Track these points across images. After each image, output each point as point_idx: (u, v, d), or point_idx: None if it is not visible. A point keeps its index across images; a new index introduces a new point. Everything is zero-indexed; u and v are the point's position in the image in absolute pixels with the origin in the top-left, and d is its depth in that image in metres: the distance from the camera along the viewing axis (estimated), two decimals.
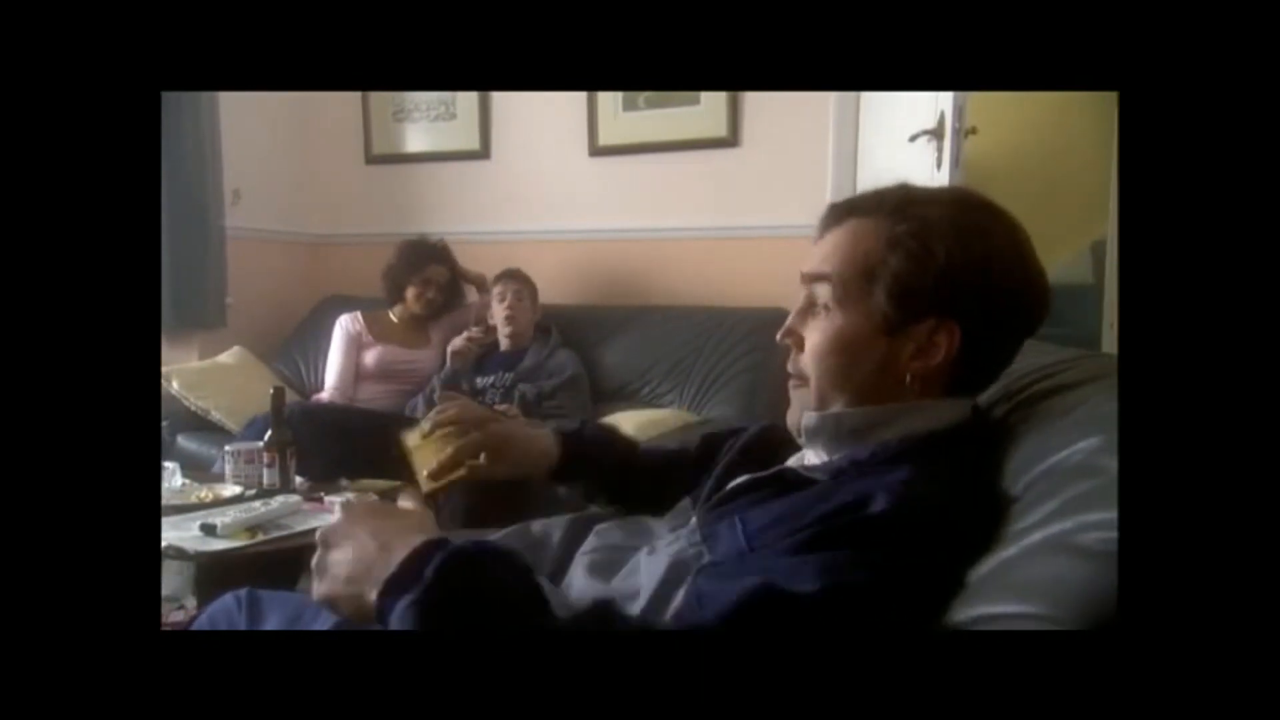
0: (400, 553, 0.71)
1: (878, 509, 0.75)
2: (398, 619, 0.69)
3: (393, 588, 0.70)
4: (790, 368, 0.93)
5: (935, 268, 0.84)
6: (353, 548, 0.75)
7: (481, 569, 0.71)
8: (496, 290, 3.05)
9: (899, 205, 0.88)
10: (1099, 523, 0.64)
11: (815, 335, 0.90)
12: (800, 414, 0.91)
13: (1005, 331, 0.90)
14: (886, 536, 0.74)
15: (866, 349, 0.87)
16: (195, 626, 1.19)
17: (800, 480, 0.88)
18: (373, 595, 0.71)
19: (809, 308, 0.91)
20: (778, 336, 0.94)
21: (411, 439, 1.05)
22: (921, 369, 0.87)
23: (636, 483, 1.16)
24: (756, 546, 0.80)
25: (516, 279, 3.05)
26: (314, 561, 0.77)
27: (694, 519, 0.95)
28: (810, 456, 0.94)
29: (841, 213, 0.91)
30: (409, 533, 0.74)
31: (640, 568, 0.91)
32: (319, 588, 0.76)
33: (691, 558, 0.87)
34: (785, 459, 0.97)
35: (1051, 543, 0.67)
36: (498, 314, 3.03)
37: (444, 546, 0.71)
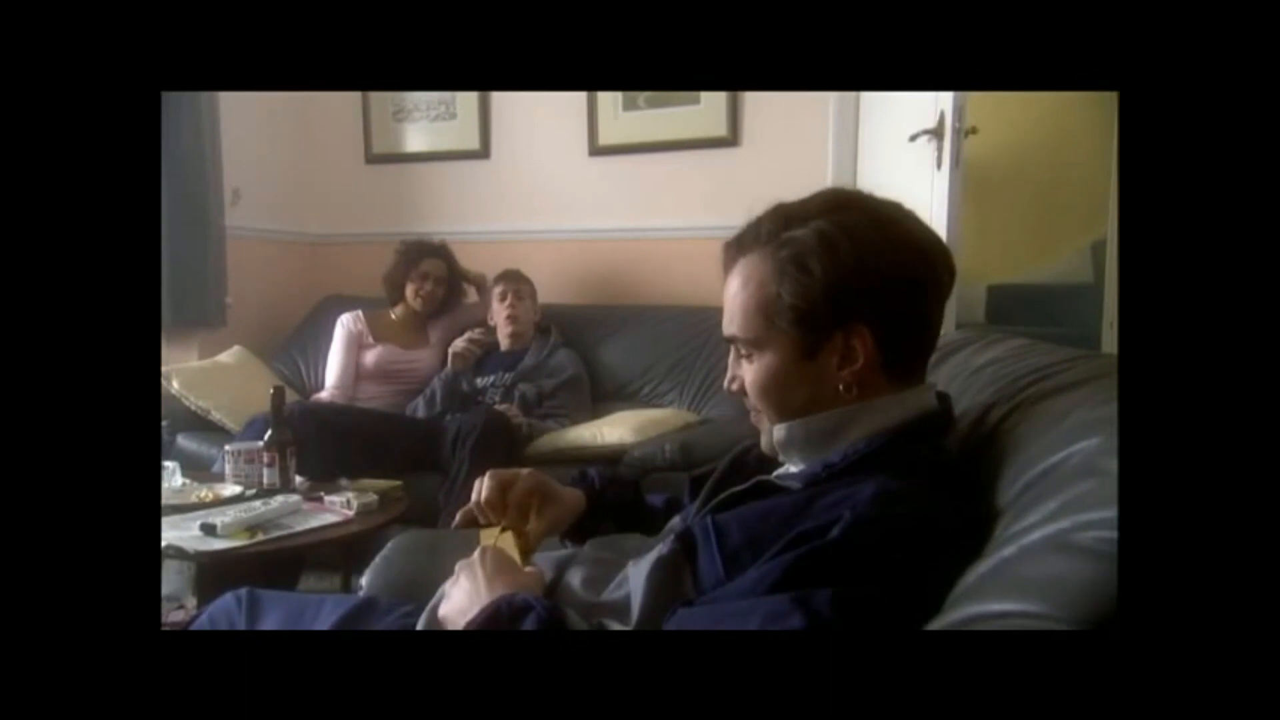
0: (491, 596, 0.90)
1: (846, 533, 0.77)
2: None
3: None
4: (746, 404, 0.98)
5: (820, 285, 0.87)
6: (470, 588, 0.94)
7: (516, 615, 0.86)
8: (497, 290, 3.05)
9: (773, 232, 0.90)
10: (1098, 522, 0.64)
11: (749, 377, 0.94)
12: (769, 437, 0.95)
13: (916, 308, 0.91)
14: (855, 561, 0.76)
15: (796, 376, 0.91)
16: (195, 626, 1.19)
17: (775, 489, 0.91)
18: (461, 624, 0.91)
19: (738, 356, 0.96)
20: (725, 384, 0.99)
21: (489, 536, 1.06)
22: (852, 376, 0.89)
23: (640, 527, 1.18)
24: (734, 577, 0.82)
25: (517, 279, 3.06)
26: (447, 584, 0.98)
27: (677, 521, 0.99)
28: (790, 467, 0.96)
29: (733, 253, 0.94)
30: (506, 589, 0.91)
31: (629, 579, 0.92)
32: (443, 607, 0.96)
33: (670, 556, 0.89)
34: (770, 472, 0.98)
35: (1050, 542, 0.67)
36: (499, 314, 3.03)
37: (509, 603, 0.87)
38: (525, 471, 1.12)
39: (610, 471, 1.26)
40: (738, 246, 0.94)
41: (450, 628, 0.93)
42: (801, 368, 0.90)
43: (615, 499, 1.19)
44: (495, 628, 0.85)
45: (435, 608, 0.99)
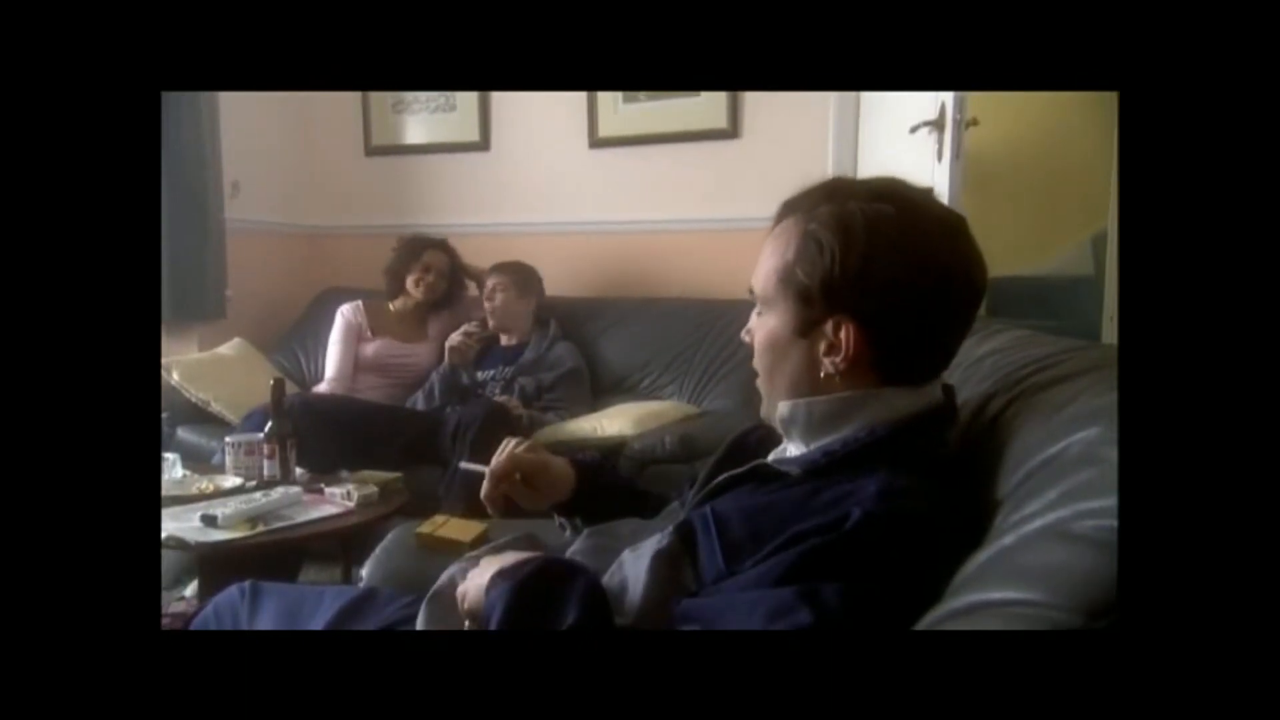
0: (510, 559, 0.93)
1: (854, 529, 0.77)
2: (499, 596, 0.86)
3: (500, 577, 0.89)
4: (754, 364, 0.98)
5: (823, 268, 0.87)
6: (486, 564, 0.95)
7: (564, 575, 0.88)
8: (487, 285, 3.05)
9: (814, 204, 0.90)
10: (1097, 510, 0.64)
11: (757, 335, 0.96)
12: (770, 406, 0.96)
13: (916, 319, 0.88)
14: (861, 557, 0.77)
15: (787, 348, 0.92)
16: (200, 617, 1.20)
17: (774, 474, 0.91)
18: (485, 577, 0.91)
19: (757, 311, 0.97)
20: (741, 334, 1.00)
21: (431, 527, 1.07)
22: (834, 366, 0.89)
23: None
24: (735, 569, 0.83)
25: (504, 272, 3.04)
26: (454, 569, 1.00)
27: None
28: (789, 449, 0.96)
29: (782, 212, 0.94)
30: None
31: (625, 565, 0.93)
32: (463, 581, 0.97)
33: (668, 549, 0.89)
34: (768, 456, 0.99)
35: (1049, 531, 0.67)
36: (486, 308, 3.03)
37: (557, 562, 0.92)
38: (511, 448, 1.17)
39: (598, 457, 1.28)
40: (787, 207, 0.94)
41: (475, 585, 0.94)
42: (794, 342, 0.91)
43: (608, 479, 1.21)
44: (544, 584, 0.86)
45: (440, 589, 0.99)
